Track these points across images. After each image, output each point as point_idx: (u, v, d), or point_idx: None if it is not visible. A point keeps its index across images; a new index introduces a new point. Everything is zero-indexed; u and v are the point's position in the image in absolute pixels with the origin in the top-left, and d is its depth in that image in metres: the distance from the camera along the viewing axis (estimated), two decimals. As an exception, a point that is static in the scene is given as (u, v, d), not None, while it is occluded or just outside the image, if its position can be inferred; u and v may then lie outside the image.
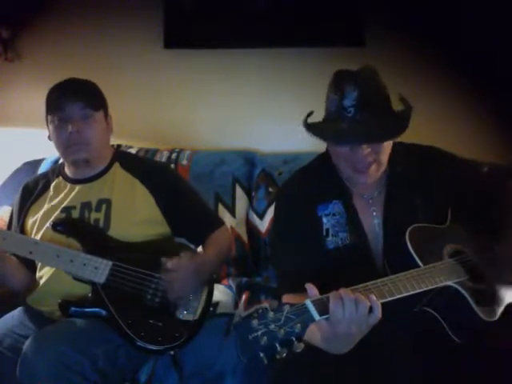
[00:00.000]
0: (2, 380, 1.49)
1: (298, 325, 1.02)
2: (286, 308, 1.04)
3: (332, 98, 1.38)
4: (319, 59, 2.56)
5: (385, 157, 1.41)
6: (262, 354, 1.02)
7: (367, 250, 1.43)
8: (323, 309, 1.08)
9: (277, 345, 1.01)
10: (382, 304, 1.15)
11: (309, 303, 1.07)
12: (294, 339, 1.02)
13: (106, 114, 1.78)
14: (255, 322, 1.02)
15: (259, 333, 1.01)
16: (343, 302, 1.09)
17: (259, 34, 2.61)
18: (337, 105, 1.36)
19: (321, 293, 1.13)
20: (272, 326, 1.01)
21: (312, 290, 1.12)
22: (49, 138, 1.75)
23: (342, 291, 1.12)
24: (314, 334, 1.12)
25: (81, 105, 1.67)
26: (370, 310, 1.12)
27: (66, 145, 1.69)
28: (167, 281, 1.59)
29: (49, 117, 1.71)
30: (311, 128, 1.43)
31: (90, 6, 2.64)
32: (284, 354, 1.02)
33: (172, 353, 1.57)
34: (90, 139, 1.69)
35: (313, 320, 1.06)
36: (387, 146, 1.41)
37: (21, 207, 1.80)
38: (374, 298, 1.13)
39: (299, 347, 1.02)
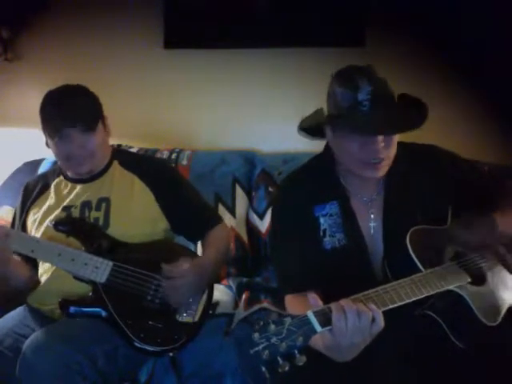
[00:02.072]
0: (2, 379, 1.49)
1: (300, 338, 1.01)
2: (288, 320, 1.02)
3: (343, 93, 1.35)
4: (319, 59, 2.56)
5: (393, 152, 1.40)
6: (263, 369, 1.00)
7: (365, 252, 1.42)
8: (325, 320, 1.06)
9: (279, 358, 1.00)
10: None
11: (310, 315, 1.05)
12: (296, 352, 1.01)
13: (103, 120, 1.75)
14: (256, 336, 1.00)
15: (261, 347, 1.00)
16: (345, 314, 1.08)
17: (259, 34, 2.61)
18: (350, 100, 1.34)
19: (321, 294, 1.13)
20: (274, 340, 1.00)
21: (315, 300, 1.11)
22: (46, 144, 1.73)
23: (344, 302, 1.10)
24: (318, 341, 1.11)
25: (79, 128, 1.63)
26: (373, 319, 1.10)
27: (67, 161, 1.69)
28: (168, 287, 1.58)
29: (47, 135, 1.68)
30: (329, 121, 1.41)
31: (90, 6, 2.64)
32: (286, 368, 1.00)
33: (171, 354, 1.57)
34: (93, 152, 1.69)
35: (315, 332, 1.04)
36: (395, 142, 1.40)
37: (22, 206, 1.81)
38: (375, 307, 1.12)
39: (301, 360, 1.01)
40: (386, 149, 1.36)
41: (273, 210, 1.60)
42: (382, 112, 1.33)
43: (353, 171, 1.42)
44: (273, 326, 1.01)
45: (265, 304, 1.90)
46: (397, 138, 1.40)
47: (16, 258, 1.72)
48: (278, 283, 1.61)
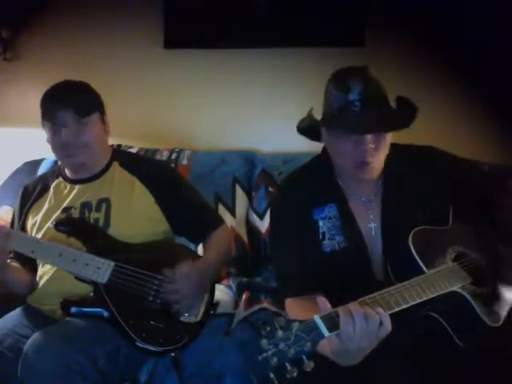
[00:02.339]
0: (3, 380, 1.49)
1: (308, 343, 1.00)
2: (295, 326, 1.01)
3: (334, 95, 1.38)
4: (319, 59, 2.56)
5: (383, 154, 1.41)
6: (272, 375, 0.99)
7: (364, 253, 1.42)
8: (332, 324, 1.05)
9: (287, 364, 0.99)
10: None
11: (318, 319, 1.04)
12: (304, 358, 1.00)
13: (102, 115, 1.76)
14: (265, 342, 0.99)
15: (269, 353, 0.99)
16: (353, 318, 1.07)
17: (259, 34, 2.61)
18: (341, 100, 1.35)
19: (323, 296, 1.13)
20: (282, 345, 0.99)
21: (324, 303, 1.10)
22: (47, 140, 1.74)
23: (352, 306, 1.09)
24: (325, 346, 1.11)
25: (73, 112, 1.65)
26: (380, 323, 1.10)
27: (62, 150, 1.70)
28: (170, 289, 1.59)
29: (44, 122, 1.71)
30: (316, 124, 1.42)
31: (90, 6, 2.64)
32: (294, 374, 0.99)
33: (173, 354, 1.57)
34: (87, 143, 1.69)
35: (323, 337, 1.03)
36: (387, 143, 1.40)
37: (21, 208, 1.81)
38: (382, 310, 1.11)
39: (309, 366, 1.00)
40: (376, 151, 1.37)
41: (272, 211, 1.60)
42: (371, 112, 1.33)
43: (346, 173, 1.43)
44: (280, 332, 1.00)
45: (265, 304, 1.90)
46: (388, 140, 1.41)
47: (15, 264, 1.72)
48: (277, 285, 1.60)
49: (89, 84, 1.76)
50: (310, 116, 1.46)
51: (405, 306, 1.17)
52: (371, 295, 1.15)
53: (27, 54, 2.69)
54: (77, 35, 2.68)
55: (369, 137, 1.34)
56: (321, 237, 1.44)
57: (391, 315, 1.13)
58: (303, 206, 1.47)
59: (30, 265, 1.73)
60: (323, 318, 1.04)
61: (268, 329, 1.01)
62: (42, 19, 2.66)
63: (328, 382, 1.21)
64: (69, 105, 1.66)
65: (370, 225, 1.45)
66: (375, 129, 1.35)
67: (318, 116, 1.46)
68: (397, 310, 1.15)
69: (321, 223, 1.45)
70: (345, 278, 1.36)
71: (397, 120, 1.38)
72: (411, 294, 1.19)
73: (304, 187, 1.51)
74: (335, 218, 1.45)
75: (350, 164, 1.39)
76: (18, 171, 2.45)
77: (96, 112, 1.72)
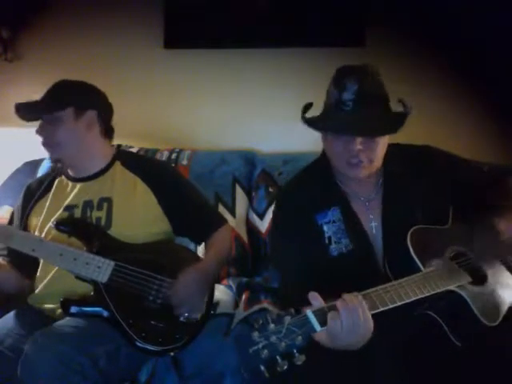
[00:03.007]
0: (3, 380, 1.49)
1: (299, 337, 1.01)
2: (287, 319, 1.02)
3: (332, 92, 1.39)
4: (319, 59, 2.56)
5: (378, 155, 1.41)
6: (262, 368, 1.00)
7: (371, 254, 1.42)
8: (324, 319, 1.06)
9: (278, 357, 1.00)
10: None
11: (310, 314, 1.04)
12: (295, 351, 1.01)
13: (81, 112, 1.70)
14: (256, 335, 1.00)
15: (260, 345, 1.00)
16: (339, 312, 1.08)
17: (259, 34, 2.61)
18: (336, 98, 1.36)
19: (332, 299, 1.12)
20: (273, 339, 1.00)
21: (316, 299, 1.10)
22: None
23: (338, 302, 1.10)
24: (321, 334, 1.10)
25: (43, 107, 1.69)
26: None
27: (43, 145, 1.73)
28: (172, 293, 1.58)
29: None
30: (309, 121, 1.43)
31: (90, 5, 2.65)
32: (285, 367, 1.00)
33: (172, 354, 1.57)
34: (55, 139, 1.69)
35: (314, 331, 1.04)
36: (381, 145, 1.40)
37: (24, 207, 1.80)
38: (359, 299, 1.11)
39: (300, 360, 1.01)
40: (366, 151, 1.36)
41: (274, 221, 1.59)
42: (362, 113, 1.34)
43: (340, 171, 1.43)
44: (272, 325, 1.01)
45: (265, 304, 1.90)
46: (384, 141, 1.41)
47: (5, 264, 1.73)
48: (284, 294, 1.58)
49: (76, 81, 1.74)
50: (302, 115, 1.46)
51: (399, 303, 1.17)
52: (365, 291, 1.16)
53: (28, 55, 2.69)
54: (77, 35, 2.68)
55: (359, 138, 1.34)
56: (327, 241, 1.44)
57: (389, 314, 1.14)
58: (306, 211, 1.46)
59: (24, 266, 1.73)
60: (315, 313, 1.05)
61: (260, 322, 1.02)
62: (42, 19, 2.66)
63: (324, 381, 1.22)
64: (41, 101, 1.70)
65: (372, 224, 1.45)
66: (363, 133, 1.35)
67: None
68: (391, 306, 1.15)
69: (325, 228, 1.45)
70: (354, 280, 1.35)
71: (387, 125, 1.38)
72: (406, 291, 1.19)
73: (305, 192, 1.51)
74: (340, 221, 1.45)
75: (342, 163, 1.40)
76: (18, 171, 2.45)
77: (69, 108, 1.69)
